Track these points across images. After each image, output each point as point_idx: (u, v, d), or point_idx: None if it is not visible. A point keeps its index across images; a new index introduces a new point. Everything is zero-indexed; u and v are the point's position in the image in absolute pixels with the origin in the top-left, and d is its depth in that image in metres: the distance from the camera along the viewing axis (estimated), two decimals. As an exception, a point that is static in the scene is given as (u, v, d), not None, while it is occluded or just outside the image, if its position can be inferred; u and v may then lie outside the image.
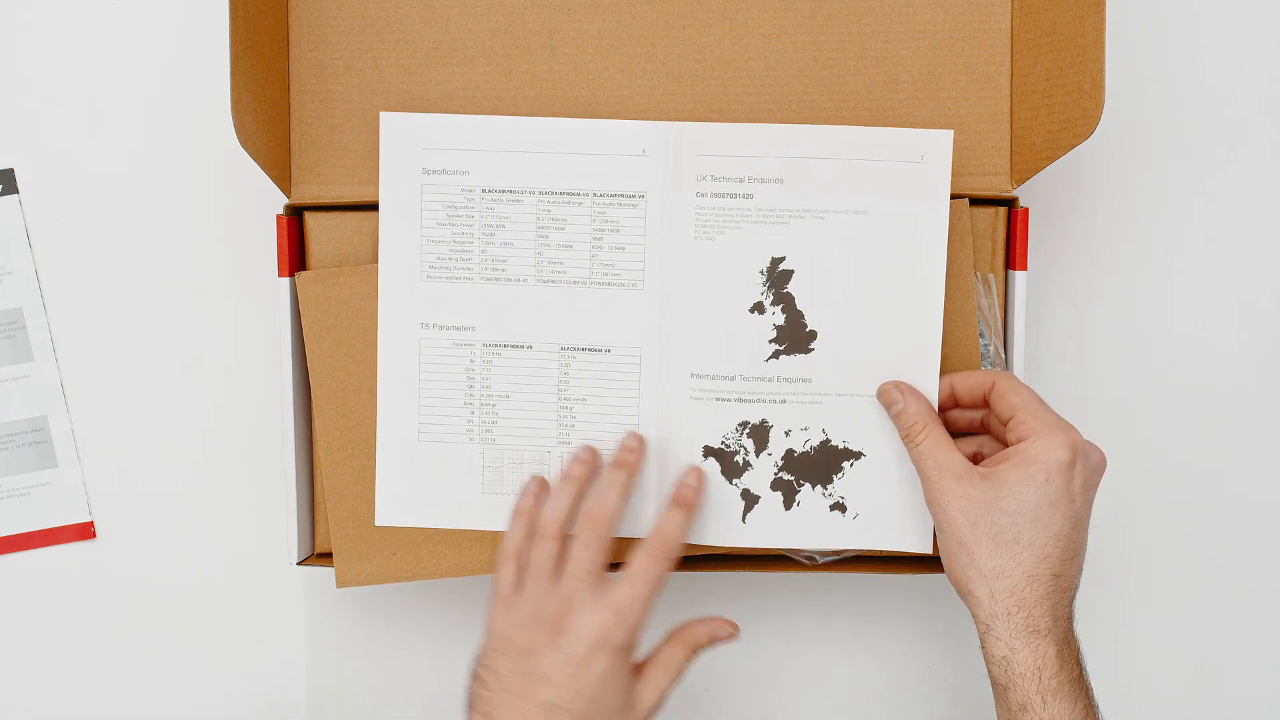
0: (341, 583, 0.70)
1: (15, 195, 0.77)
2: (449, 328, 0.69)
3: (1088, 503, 0.62)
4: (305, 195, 0.71)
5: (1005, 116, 0.71)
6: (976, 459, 0.66)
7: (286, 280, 0.69)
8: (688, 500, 0.66)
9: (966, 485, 0.61)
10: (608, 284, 0.68)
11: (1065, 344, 0.78)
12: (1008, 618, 0.60)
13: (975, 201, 0.70)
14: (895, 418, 0.66)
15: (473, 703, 0.62)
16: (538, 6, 0.71)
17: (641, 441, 0.67)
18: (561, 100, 0.71)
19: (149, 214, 0.78)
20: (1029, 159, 0.70)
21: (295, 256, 0.70)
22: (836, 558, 0.71)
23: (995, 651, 0.60)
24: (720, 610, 0.78)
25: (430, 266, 0.69)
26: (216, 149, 0.76)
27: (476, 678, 0.63)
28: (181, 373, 0.78)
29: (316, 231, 0.71)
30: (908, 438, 0.65)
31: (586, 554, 0.62)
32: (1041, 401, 0.63)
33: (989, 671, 0.61)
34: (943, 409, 0.67)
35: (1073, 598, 0.62)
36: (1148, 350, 0.78)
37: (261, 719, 0.79)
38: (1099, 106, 0.65)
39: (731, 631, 0.66)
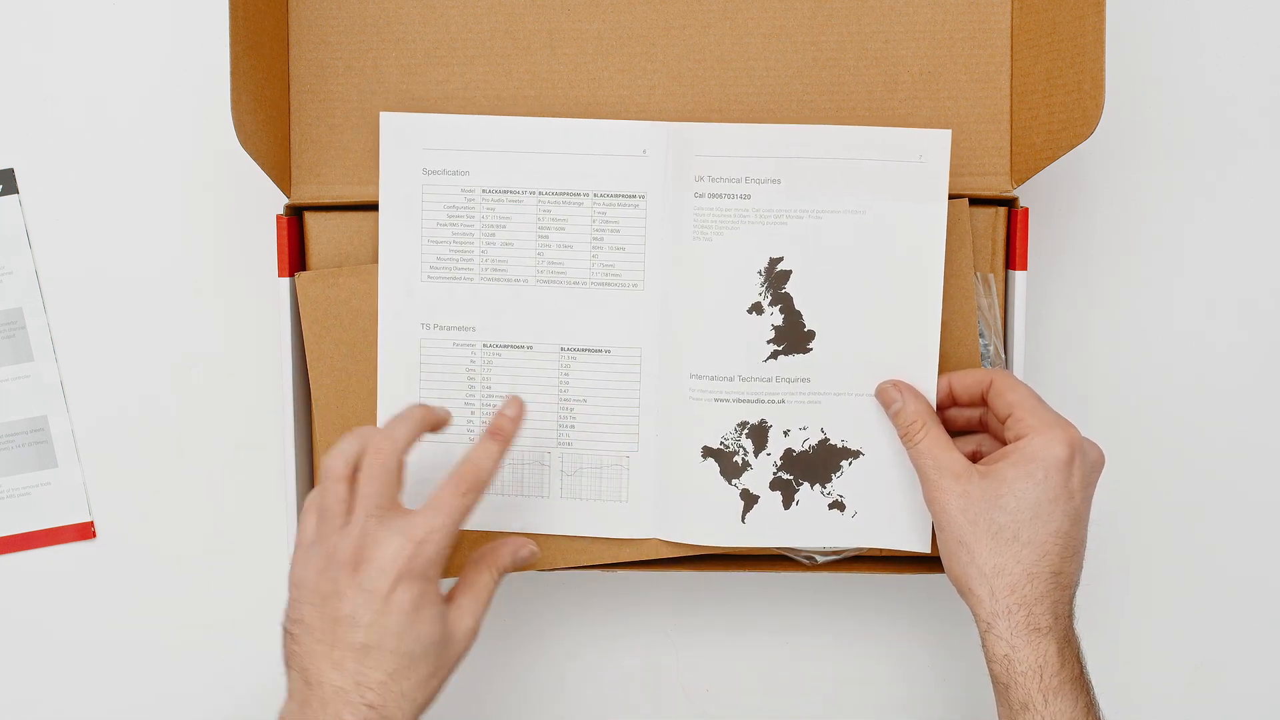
0: None
1: (15, 195, 0.77)
2: (449, 328, 0.69)
3: (1087, 499, 0.62)
4: (305, 195, 0.71)
5: (1005, 116, 0.71)
6: (975, 457, 0.67)
7: (286, 280, 0.69)
8: (502, 430, 0.63)
9: (965, 484, 0.61)
10: (608, 284, 0.68)
11: (1065, 344, 0.78)
12: (1008, 616, 0.60)
13: (975, 201, 0.70)
14: (894, 417, 0.66)
15: (288, 661, 0.60)
16: (538, 6, 0.71)
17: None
18: (561, 100, 0.71)
19: (149, 214, 0.78)
20: (1029, 159, 0.70)
21: (295, 256, 0.70)
22: (836, 558, 0.71)
23: (996, 650, 0.60)
24: (719, 610, 0.78)
25: (430, 267, 0.69)
26: (216, 149, 0.76)
27: (286, 633, 0.60)
28: (181, 372, 0.78)
29: (316, 231, 0.71)
30: (906, 436, 0.65)
31: (373, 487, 0.60)
32: (1039, 399, 0.63)
33: (990, 670, 0.61)
34: (941, 408, 0.67)
35: (1073, 595, 0.62)
36: (1148, 350, 0.78)
37: (261, 719, 0.79)
38: (1099, 106, 0.65)
39: (533, 550, 0.65)
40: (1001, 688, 0.61)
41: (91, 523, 0.78)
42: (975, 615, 0.62)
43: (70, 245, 0.77)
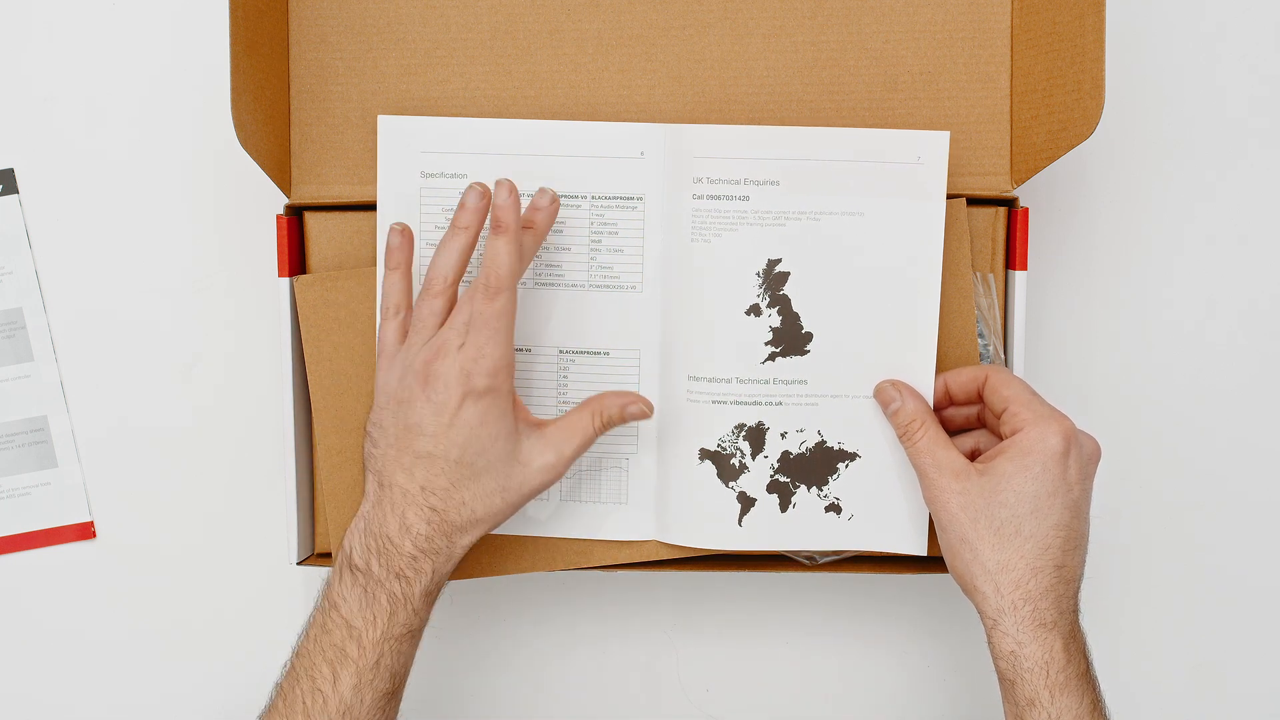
0: None
1: (15, 195, 0.77)
2: None
3: (1086, 491, 0.62)
4: (305, 195, 0.71)
5: (1005, 116, 0.71)
6: (974, 454, 0.67)
7: (286, 280, 0.69)
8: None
9: (965, 482, 0.62)
10: (606, 286, 0.68)
11: (1065, 344, 0.78)
12: (1014, 611, 0.60)
13: (975, 201, 0.70)
14: (892, 416, 0.66)
15: (366, 463, 0.64)
16: (538, 6, 0.71)
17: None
18: (561, 100, 0.71)
19: (149, 214, 0.78)
20: (1029, 159, 0.70)
21: (295, 256, 0.70)
22: (836, 558, 0.71)
23: (1003, 646, 0.60)
24: (717, 610, 0.78)
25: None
26: (216, 149, 0.76)
27: (368, 436, 0.64)
28: (181, 373, 0.78)
29: (316, 231, 0.71)
30: (905, 436, 0.65)
31: (468, 307, 0.62)
32: (1033, 392, 0.63)
33: (996, 667, 0.61)
34: (938, 407, 0.67)
35: (1077, 590, 0.62)
36: (1148, 350, 0.78)
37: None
38: (1099, 106, 0.65)
39: (644, 409, 0.66)
40: (1007, 684, 0.61)
41: (91, 523, 0.78)
42: (981, 612, 0.62)
43: (70, 245, 0.77)
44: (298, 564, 0.70)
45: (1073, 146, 0.66)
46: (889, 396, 0.66)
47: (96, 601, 0.78)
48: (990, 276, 0.70)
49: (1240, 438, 0.78)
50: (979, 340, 0.70)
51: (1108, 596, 0.78)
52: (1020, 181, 0.70)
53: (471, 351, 0.61)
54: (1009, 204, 0.71)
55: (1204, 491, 0.78)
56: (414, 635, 0.63)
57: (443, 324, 0.63)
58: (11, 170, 0.77)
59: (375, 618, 0.61)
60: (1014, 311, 0.69)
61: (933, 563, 0.69)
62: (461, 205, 0.64)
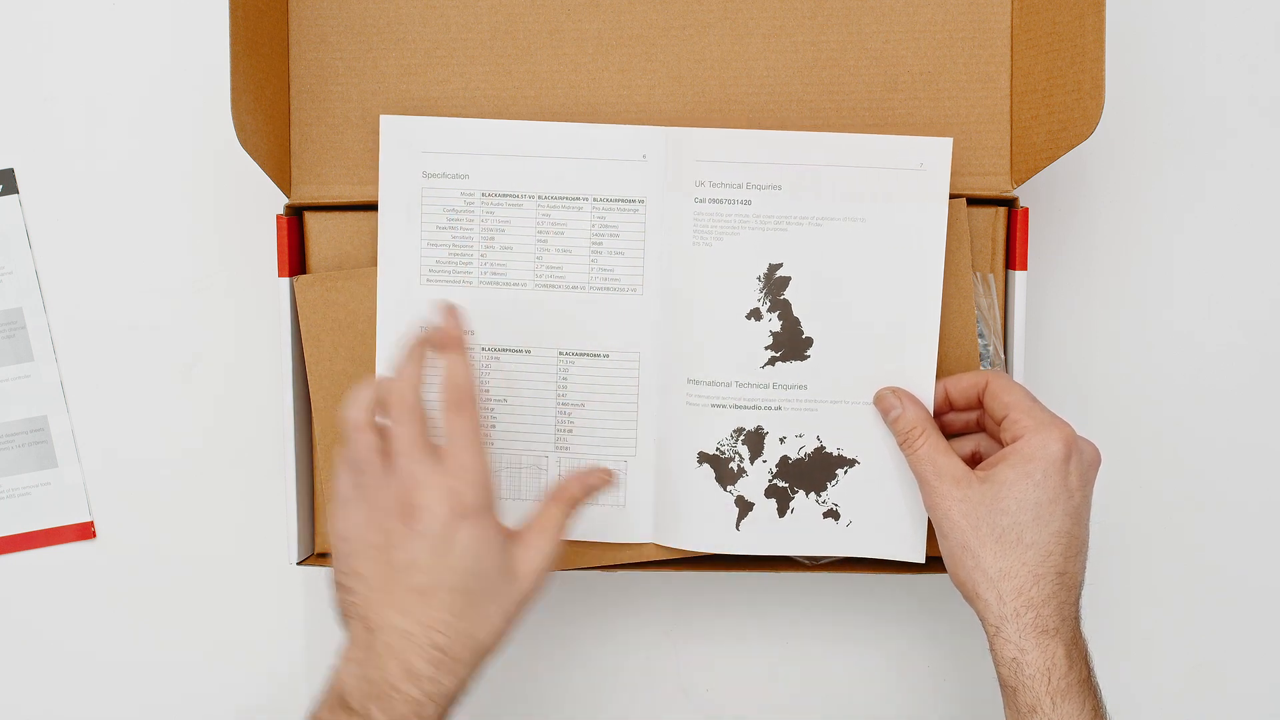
0: None
1: (15, 195, 0.77)
2: None
3: (1086, 498, 0.62)
4: (305, 195, 0.71)
5: (1005, 116, 0.71)
6: (974, 458, 0.67)
7: (286, 280, 0.69)
8: (452, 338, 0.61)
9: (966, 489, 0.62)
10: (606, 289, 0.68)
11: (1065, 344, 0.78)
12: (1016, 618, 0.60)
13: (975, 201, 0.70)
14: (892, 424, 0.66)
15: (346, 611, 0.59)
16: (538, 6, 0.71)
17: (453, 311, 0.62)
18: (561, 100, 0.71)
19: (149, 214, 0.78)
20: (1029, 159, 0.70)
21: (295, 256, 0.70)
22: (835, 558, 0.71)
23: (1004, 653, 0.60)
24: (717, 610, 0.78)
25: (430, 270, 0.69)
26: (216, 149, 0.76)
27: (341, 587, 0.59)
28: (181, 373, 0.78)
29: (316, 232, 0.71)
30: (905, 443, 0.65)
31: (404, 430, 0.58)
32: (1034, 399, 0.63)
33: (998, 674, 0.61)
34: (938, 413, 0.67)
35: (1078, 596, 0.62)
36: (1148, 350, 0.78)
37: (261, 719, 0.79)
38: (1099, 106, 0.65)
39: (604, 477, 0.64)
40: (1009, 691, 0.61)
41: (91, 523, 0.78)
42: (983, 620, 0.62)
43: (70, 245, 0.77)
44: (298, 564, 0.70)
45: (1073, 146, 0.66)
46: (889, 404, 0.66)
47: (96, 601, 0.78)
48: (990, 276, 0.70)
49: (1240, 438, 0.78)
50: (979, 340, 0.70)
51: (1108, 597, 0.78)
52: (1020, 181, 0.70)
53: (455, 469, 0.58)
54: (1009, 204, 0.71)
55: (1204, 492, 0.78)
56: None
57: (384, 458, 0.59)
58: (11, 170, 0.77)
59: None
60: (1014, 311, 0.69)
61: (932, 564, 0.69)
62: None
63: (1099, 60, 0.65)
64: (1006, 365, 0.70)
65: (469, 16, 0.71)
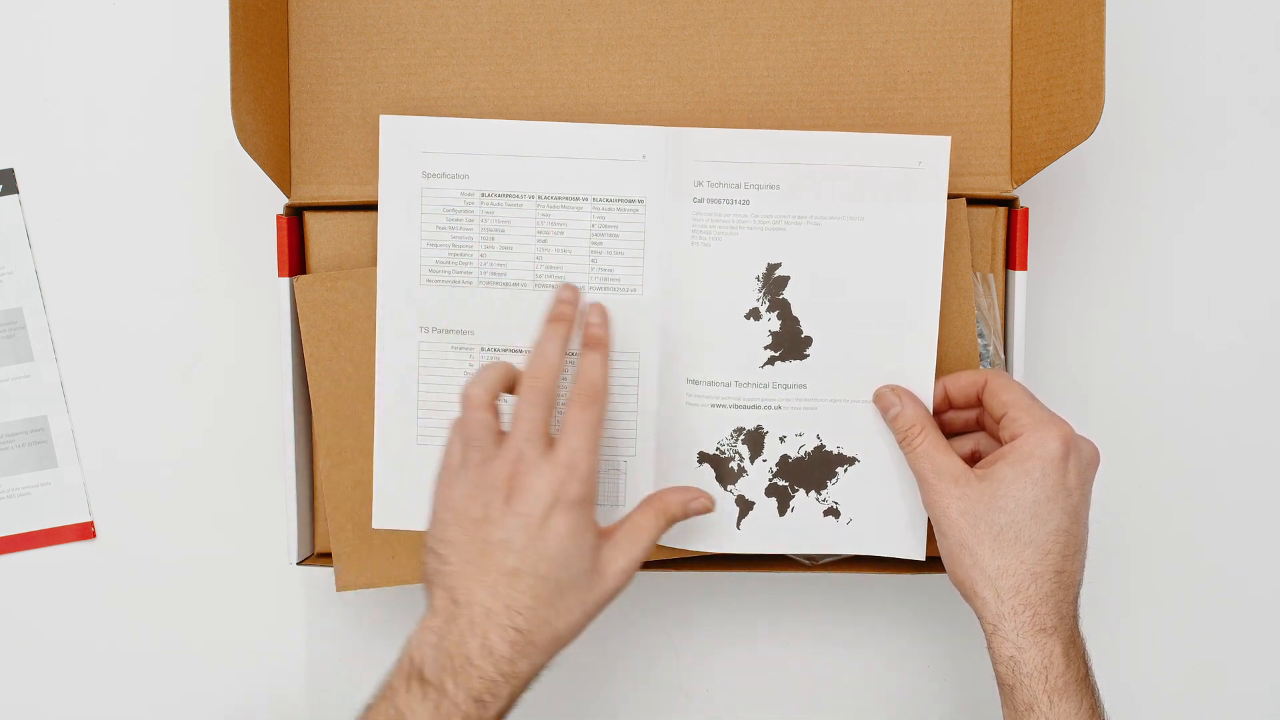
0: (341, 586, 0.70)
1: (15, 195, 0.77)
2: (448, 332, 0.69)
3: (1085, 496, 0.62)
4: (305, 195, 0.71)
5: (1005, 116, 0.71)
6: (974, 456, 0.67)
7: (286, 280, 0.69)
8: (598, 339, 0.64)
9: (964, 487, 0.62)
10: (606, 289, 0.68)
11: (1065, 344, 0.78)
12: (1014, 617, 0.60)
13: (975, 201, 0.70)
14: (891, 421, 0.66)
15: (432, 579, 0.60)
16: (538, 6, 0.71)
17: (575, 291, 0.66)
18: (561, 100, 0.71)
19: (149, 214, 0.78)
20: (1029, 159, 0.70)
21: (295, 256, 0.70)
22: (835, 558, 0.71)
23: (1002, 651, 0.60)
24: (717, 610, 0.78)
25: (430, 270, 0.69)
26: (216, 149, 0.76)
27: (432, 553, 0.60)
28: (181, 372, 0.78)
29: (316, 231, 0.71)
30: (904, 441, 0.65)
31: (531, 413, 0.60)
32: (1033, 397, 0.63)
33: (995, 672, 0.61)
34: (937, 412, 0.67)
35: (1076, 595, 0.62)
36: (1148, 350, 0.78)
37: (261, 719, 0.79)
38: (1099, 106, 0.65)
39: (707, 504, 0.65)
40: (1007, 689, 0.61)
41: (91, 523, 0.78)
42: (980, 618, 0.62)
43: (70, 245, 0.77)
44: (298, 564, 0.70)
45: (1073, 146, 0.66)
46: (888, 401, 0.66)
47: (96, 601, 0.78)
48: (990, 276, 0.70)
49: (1240, 438, 0.78)
50: (979, 340, 0.70)
51: (1108, 596, 0.78)
52: (1020, 181, 0.70)
53: (565, 459, 0.59)
54: (1009, 204, 0.71)
55: (1204, 492, 0.78)
56: None
57: (498, 436, 0.60)
58: (11, 170, 0.77)
59: None
60: (1014, 311, 0.69)
61: (931, 563, 0.69)
62: (558, 299, 0.65)
63: (1099, 60, 0.65)
64: (1006, 365, 0.70)
65: (469, 16, 0.71)
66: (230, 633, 0.78)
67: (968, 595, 0.62)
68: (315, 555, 0.72)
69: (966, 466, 0.63)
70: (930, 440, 0.64)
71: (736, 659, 0.79)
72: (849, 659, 0.79)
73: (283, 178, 0.70)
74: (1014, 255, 0.70)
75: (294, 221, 0.70)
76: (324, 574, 0.78)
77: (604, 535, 0.61)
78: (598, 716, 0.79)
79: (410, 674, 0.58)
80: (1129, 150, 0.77)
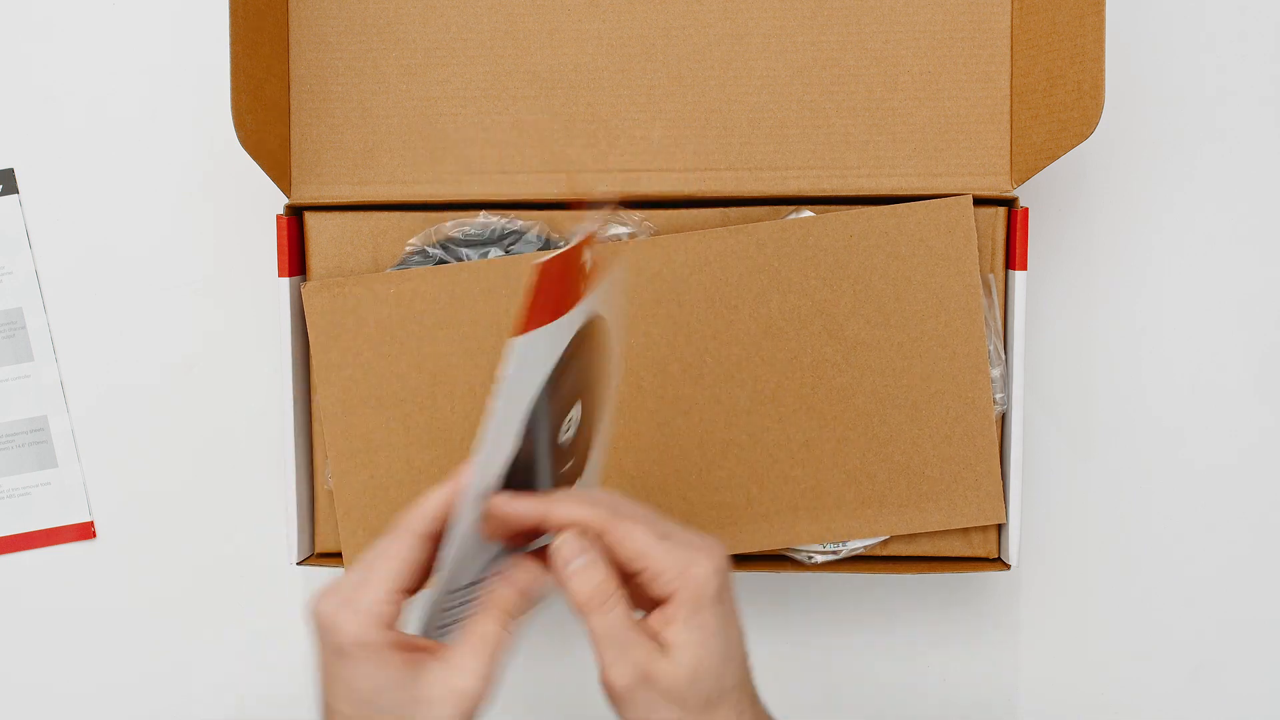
0: None
1: (15, 195, 0.77)
2: None
3: (735, 601, 0.55)
4: (305, 195, 0.71)
5: (1005, 116, 0.71)
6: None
7: (286, 280, 0.69)
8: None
9: (658, 678, 0.52)
10: None
11: (1065, 344, 0.78)
12: None
13: (975, 201, 0.70)
14: (569, 578, 0.52)
15: None
16: (538, 6, 0.71)
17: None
18: (561, 101, 0.71)
19: (149, 214, 0.78)
20: (1029, 159, 0.70)
21: (295, 256, 0.70)
22: (835, 557, 0.71)
23: None
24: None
25: None
26: (216, 149, 0.76)
27: None
28: (181, 373, 0.78)
29: (316, 231, 0.71)
30: (586, 606, 0.52)
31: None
32: (656, 530, 0.53)
33: None
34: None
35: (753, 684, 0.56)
36: (1148, 350, 0.78)
37: (262, 719, 0.79)
38: (1099, 106, 0.65)
39: (540, 580, 0.53)
40: None
41: (91, 523, 0.78)
42: None
43: (70, 245, 0.77)
44: (298, 564, 0.70)
45: (1073, 146, 0.66)
46: (576, 548, 0.52)
47: (96, 601, 0.78)
48: (990, 276, 0.70)
49: (1240, 438, 0.78)
50: (979, 340, 0.70)
51: (1109, 597, 0.78)
52: (1020, 181, 0.70)
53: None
54: (1009, 204, 0.71)
55: (1203, 490, 0.78)
56: None
57: None
58: (11, 170, 0.77)
59: None
60: (1014, 311, 0.69)
61: (932, 563, 0.69)
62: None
63: (1099, 60, 0.65)
64: (1006, 365, 0.70)
65: (469, 16, 0.71)
66: (230, 633, 0.78)
67: None
68: (315, 555, 0.72)
69: (653, 645, 0.52)
70: (621, 609, 0.52)
71: (736, 659, 0.79)
72: (849, 659, 0.79)
73: (283, 178, 0.70)
74: (1014, 255, 0.70)
75: (294, 221, 0.70)
76: (324, 574, 0.78)
77: (435, 657, 0.51)
78: (598, 717, 0.79)
79: None
80: (1129, 150, 0.77)
